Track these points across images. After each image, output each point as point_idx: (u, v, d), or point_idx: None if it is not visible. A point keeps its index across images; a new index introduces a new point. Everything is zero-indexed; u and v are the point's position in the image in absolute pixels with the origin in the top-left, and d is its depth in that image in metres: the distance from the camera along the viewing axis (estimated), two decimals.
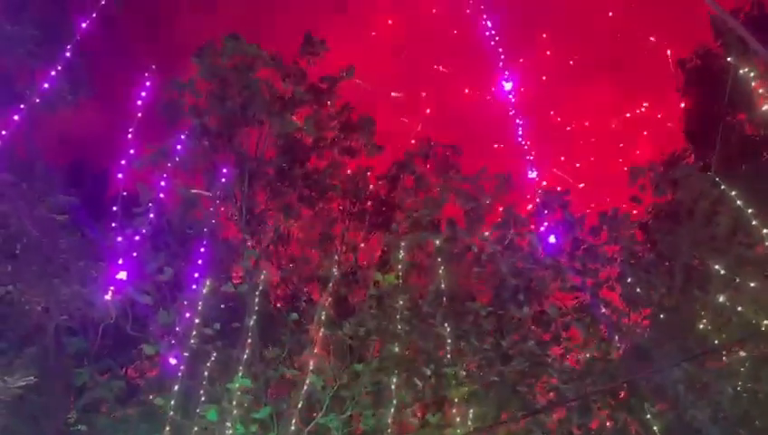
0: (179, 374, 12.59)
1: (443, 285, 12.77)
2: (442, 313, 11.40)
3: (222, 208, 15.95)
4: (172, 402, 12.39)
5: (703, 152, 13.53)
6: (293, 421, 12.16)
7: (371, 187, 17.97)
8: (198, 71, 15.34)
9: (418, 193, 16.41)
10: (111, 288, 12.70)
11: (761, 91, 8.96)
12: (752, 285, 10.13)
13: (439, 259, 13.38)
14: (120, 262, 12.80)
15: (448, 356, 11.54)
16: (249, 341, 12.97)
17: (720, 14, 9.43)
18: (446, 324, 11.64)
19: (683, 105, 17.82)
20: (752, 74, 9.12)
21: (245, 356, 12.69)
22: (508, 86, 9.10)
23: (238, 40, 15.03)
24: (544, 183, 8.87)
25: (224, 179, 15.02)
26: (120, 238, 13.85)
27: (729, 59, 9.30)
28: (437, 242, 12.56)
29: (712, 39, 14.93)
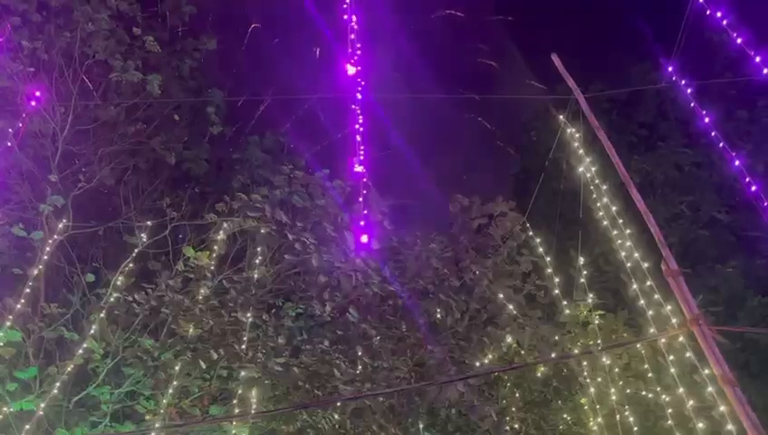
0: None
1: (256, 273, 12.31)
2: (245, 299, 10.97)
3: (36, 144, 14.51)
4: None
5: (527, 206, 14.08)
6: (57, 385, 11.06)
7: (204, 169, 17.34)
8: None
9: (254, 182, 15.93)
10: None
11: (580, 152, 9.57)
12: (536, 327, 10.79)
13: (259, 248, 12.92)
14: None
15: (243, 347, 11.08)
16: (27, 291, 11.68)
17: (562, 73, 9.96)
18: (247, 314, 11.18)
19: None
20: (577, 135, 9.73)
21: (18, 307, 11.40)
22: (352, 70, 8.95)
23: None
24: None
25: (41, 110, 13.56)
26: None
27: (561, 117, 9.85)
28: (262, 229, 12.12)
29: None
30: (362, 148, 8.76)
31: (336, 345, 10.15)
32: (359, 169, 8.77)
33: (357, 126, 8.93)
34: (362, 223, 8.48)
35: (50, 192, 13.74)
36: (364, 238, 8.36)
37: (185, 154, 17.15)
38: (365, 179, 8.77)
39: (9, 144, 13.56)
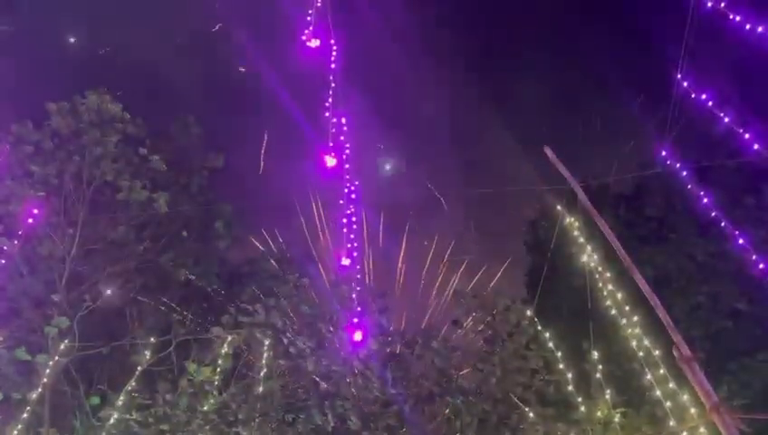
0: None
1: (261, 389, 11.90)
2: (247, 414, 10.51)
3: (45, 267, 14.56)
4: None
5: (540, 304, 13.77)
6: None
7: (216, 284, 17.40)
8: (52, 120, 14.38)
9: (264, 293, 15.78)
10: None
11: (581, 240, 9.38)
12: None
13: (264, 361, 12.57)
14: None
15: None
16: (25, 416, 11.32)
17: (562, 172, 9.96)
18: (252, 429, 10.70)
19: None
20: (576, 224, 9.59)
21: (15, 433, 11.00)
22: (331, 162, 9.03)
23: (102, 95, 14.39)
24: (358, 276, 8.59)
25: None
26: None
27: (558, 207, 9.75)
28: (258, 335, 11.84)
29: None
30: (356, 244, 8.68)
31: None
32: (345, 262, 8.64)
33: (344, 220, 8.92)
34: (356, 320, 8.21)
35: (56, 313, 13.67)
36: (358, 336, 8.06)
37: (194, 270, 17.17)
38: (358, 276, 8.61)
39: (18, 268, 13.73)
